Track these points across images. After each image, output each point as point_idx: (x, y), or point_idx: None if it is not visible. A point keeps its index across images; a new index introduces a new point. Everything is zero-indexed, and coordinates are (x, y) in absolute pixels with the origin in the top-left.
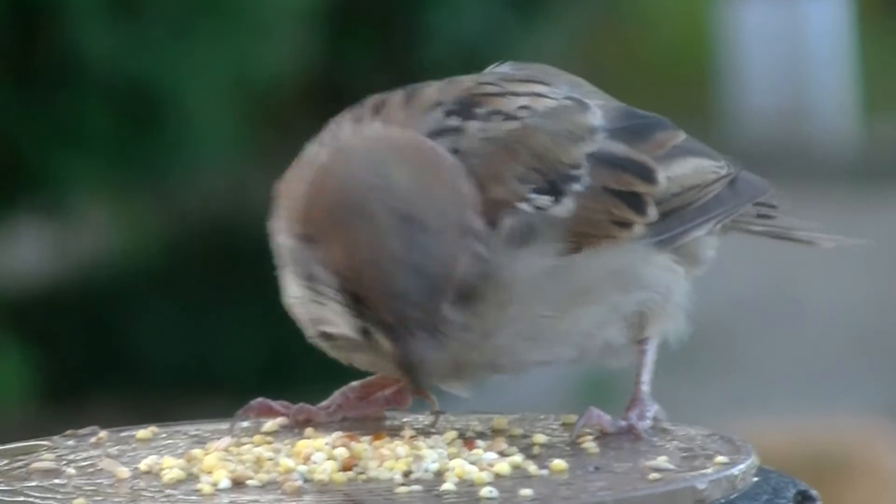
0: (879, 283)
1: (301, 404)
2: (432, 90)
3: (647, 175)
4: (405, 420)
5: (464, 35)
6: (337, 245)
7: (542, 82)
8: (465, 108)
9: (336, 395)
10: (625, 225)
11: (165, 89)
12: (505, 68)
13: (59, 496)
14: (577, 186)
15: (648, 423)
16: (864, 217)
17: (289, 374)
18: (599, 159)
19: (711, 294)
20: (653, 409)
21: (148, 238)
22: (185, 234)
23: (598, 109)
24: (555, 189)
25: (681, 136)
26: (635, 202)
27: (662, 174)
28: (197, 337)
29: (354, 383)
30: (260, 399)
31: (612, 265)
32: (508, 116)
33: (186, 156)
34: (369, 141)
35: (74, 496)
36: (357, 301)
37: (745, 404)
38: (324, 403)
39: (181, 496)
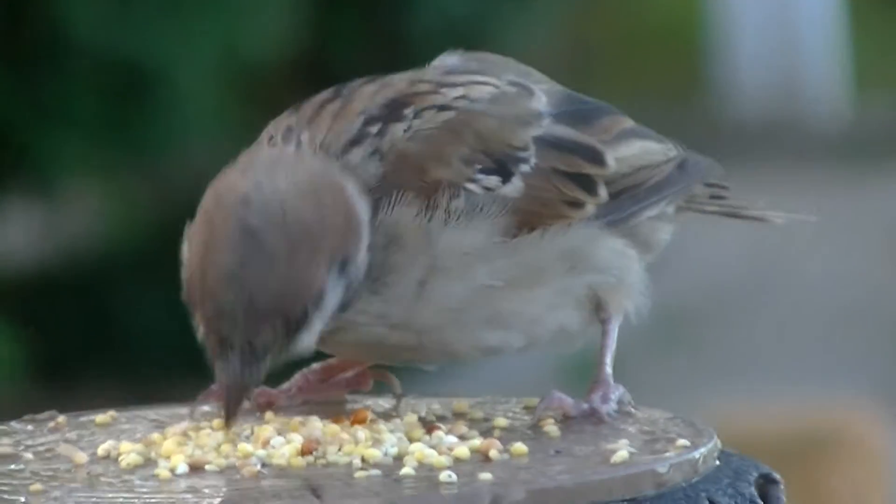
0: (866, 261)
1: (262, 388)
2: (363, 98)
3: (595, 157)
4: (366, 403)
5: (452, 10)
6: (189, 251)
7: (483, 73)
8: (391, 111)
9: (297, 378)
10: (576, 205)
11: (153, 68)
12: (453, 59)
13: (15, 481)
14: (525, 167)
15: (612, 405)
16: (853, 193)
17: None
18: (546, 142)
19: (690, 275)
20: (617, 392)
21: (137, 217)
22: (174, 213)
23: (543, 95)
24: (503, 170)
25: (627, 122)
26: (585, 182)
27: (611, 156)
28: (187, 316)
29: (315, 365)
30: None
31: (563, 246)
32: (444, 107)
33: (175, 134)
34: (279, 158)
35: (31, 481)
36: (193, 308)
37: (726, 386)
38: (284, 386)
39: (138, 481)
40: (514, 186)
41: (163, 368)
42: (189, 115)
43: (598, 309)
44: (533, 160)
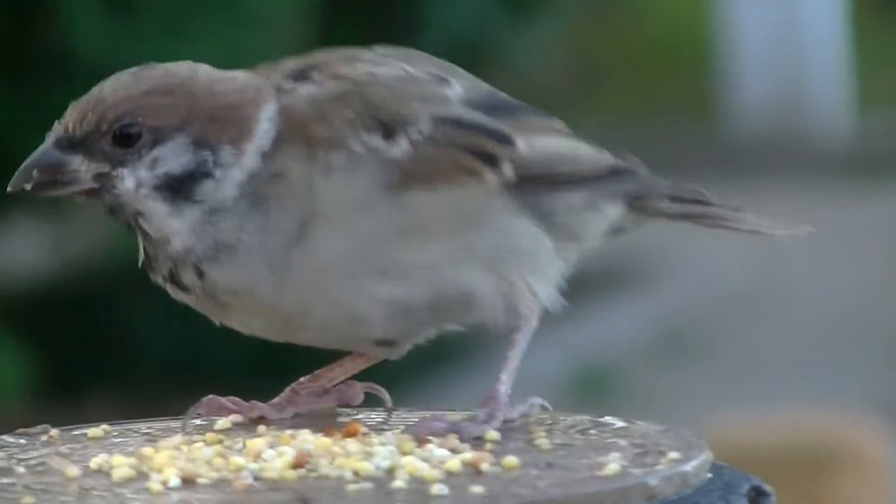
0: (869, 274)
1: (252, 402)
2: (293, 60)
3: (500, 138)
4: (358, 416)
5: (457, 27)
6: None
7: (401, 60)
8: (304, 72)
9: (286, 392)
10: (473, 173)
11: None
12: (380, 50)
13: (7, 495)
14: (415, 134)
15: (496, 423)
16: (856, 209)
17: (283, 368)
18: (446, 120)
19: (693, 288)
20: (517, 409)
21: None
22: None
23: (460, 87)
24: (389, 132)
25: (557, 124)
26: (485, 157)
27: (522, 141)
28: (192, 332)
29: (303, 379)
30: (211, 396)
31: (458, 203)
32: (342, 77)
33: None
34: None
35: (23, 495)
36: None
37: (727, 397)
38: (275, 400)
39: (130, 494)
40: (401, 149)
41: (169, 384)
42: None
43: (509, 310)
44: (427, 129)
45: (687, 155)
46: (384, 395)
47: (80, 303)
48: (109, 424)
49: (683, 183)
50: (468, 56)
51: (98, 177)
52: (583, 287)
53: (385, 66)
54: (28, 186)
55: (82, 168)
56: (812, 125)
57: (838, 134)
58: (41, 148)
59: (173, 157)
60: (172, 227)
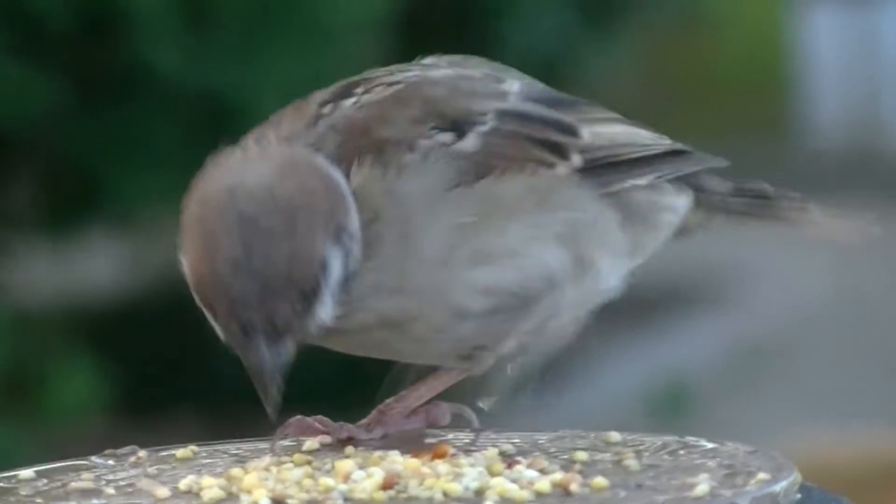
0: None
1: (340, 422)
2: (321, 91)
3: (565, 128)
4: (446, 437)
5: (536, 44)
6: (188, 252)
7: (452, 65)
8: (342, 92)
9: (374, 413)
10: (543, 163)
11: (236, 100)
12: (428, 60)
13: None
14: (483, 128)
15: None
16: None
17: (366, 382)
18: (510, 113)
19: (772, 306)
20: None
21: None
22: None
23: (517, 83)
24: (457, 127)
25: (613, 114)
26: (554, 147)
27: (585, 129)
28: None
29: (390, 399)
30: (298, 417)
31: (530, 184)
32: (393, 83)
33: None
34: (247, 154)
35: None
36: (209, 310)
37: (808, 415)
38: (363, 421)
39: None
40: (471, 142)
41: (248, 402)
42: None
43: (529, 304)
44: (492, 123)
45: (763, 173)
46: (471, 415)
47: (159, 319)
48: (197, 445)
49: (744, 179)
50: (545, 73)
51: (301, 336)
52: (661, 305)
53: (436, 69)
54: (280, 399)
55: (293, 343)
56: (888, 142)
57: None
58: (264, 356)
59: (335, 265)
60: (331, 318)
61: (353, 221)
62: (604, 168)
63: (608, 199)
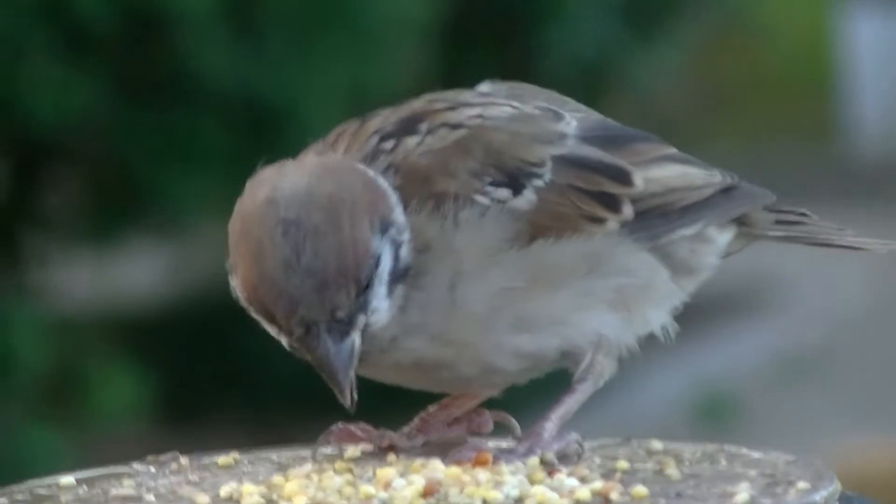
0: None
1: (382, 430)
2: (378, 118)
3: (620, 176)
4: (488, 445)
5: (581, 50)
6: (239, 268)
7: (509, 97)
8: (405, 127)
9: (416, 420)
10: (596, 220)
11: (282, 104)
12: (484, 87)
13: None
14: (538, 182)
15: (532, 458)
16: None
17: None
18: (567, 160)
19: (814, 311)
20: (553, 446)
21: None
22: None
23: (574, 120)
24: (514, 183)
25: (667, 149)
26: (607, 200)
27: (639, 176)
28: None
29: (431, 407)
30: (340, 424)
31: (581, 249)
32: (457, 125)
33: None
34: (283, 166)
35: None
36: (269, 318)
37: (850, 423)
38: (405, 429)
39: None
40: (526, 199)
41: (290, 409)
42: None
43: (573, 366)
44: (548, 176)
45: (809, 178)
46: (513, 423)
47: (199, 326)
48: (239, 452)
49: (791, 205)
50: (589, 79)
51: (364, 329)
52: (703, 314)
53: (494, 108)
54: (356, 391)
55: (358, 336)
56: None
57: None
58: (331, 349)
59: (385, 258)
60: (388, 315)
61: (399, 215)
62: (654, 218)
63: (656, 253)
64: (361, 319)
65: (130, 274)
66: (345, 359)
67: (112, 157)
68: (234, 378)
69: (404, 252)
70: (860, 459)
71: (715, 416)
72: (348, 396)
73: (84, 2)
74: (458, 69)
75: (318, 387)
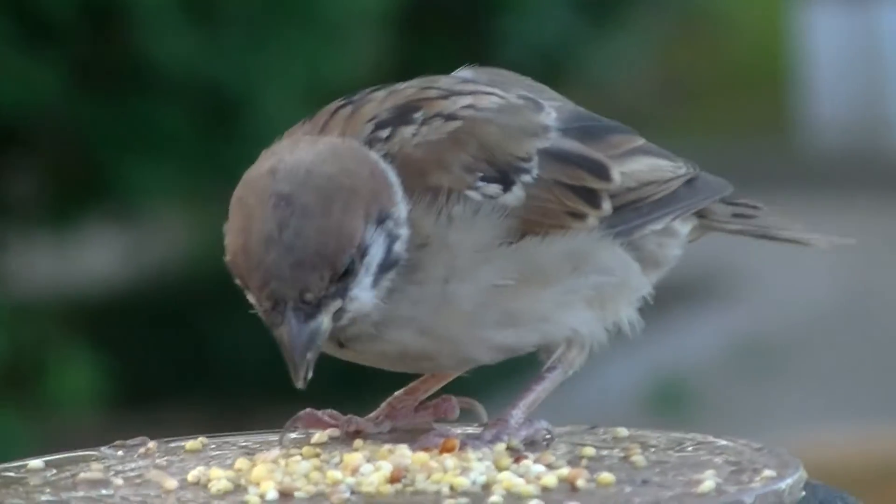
0: None
1: (349, 416)
2: (373, 104)
3: (599, 171)
4: (455, 431)
5: (540, 41)
6: (229, 232)
7: (493, 84)
8: (400, 115)
9: (383, 406)
10: (578, 216)
11: (240, 94)
12: (467, 72)
13: None
14: (527, 178)
15: (499, 445)
16: None
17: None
18: (551, 154)
19: (775, 304)
20: (521, 433)
21: (221, 241)
22: None
23: (553, 110)
24: (504, 178)
25: (638, 140)
26: (588, 195)
27: (616, 170)
28: (271, 342)
29: (398, 392)
30: (308, 410)
31: (566, 248)
32: (451, 116)
33: None
34: (298, 141)
35: None
36: (245, 286)
37: (806, 413)
38: (372, 415)
39: None
40: (515, 195)
41: (248, 394)
42: (272, 140)
43: (545, 355)
44: (536, 171)
45: (767, 171)
46: (479, 409)
47: (157, 311)
48: (207, 437)
49: (745, 197)
50: (548, 69)
51: (336, 314)
52: (660, 302)
53: (483, 97)
54: (311, 372)
55: (328, 319)
56: (889, 142)
57: None
58: (293, 328)
59: (376, 249)
60: (371, 306)
61: (400, 210)
62: (628, 213)
63: (629, 248)
64: (335, 305)
65: (89, 260)
66: (304, 340)
67: (71, 145)
68: (192, 364)
69: (399, 246)
70: (821, 448)
71: (672, 405)
72: (301, 377)
73: None
74: (416, 59)
75: (277, 372)
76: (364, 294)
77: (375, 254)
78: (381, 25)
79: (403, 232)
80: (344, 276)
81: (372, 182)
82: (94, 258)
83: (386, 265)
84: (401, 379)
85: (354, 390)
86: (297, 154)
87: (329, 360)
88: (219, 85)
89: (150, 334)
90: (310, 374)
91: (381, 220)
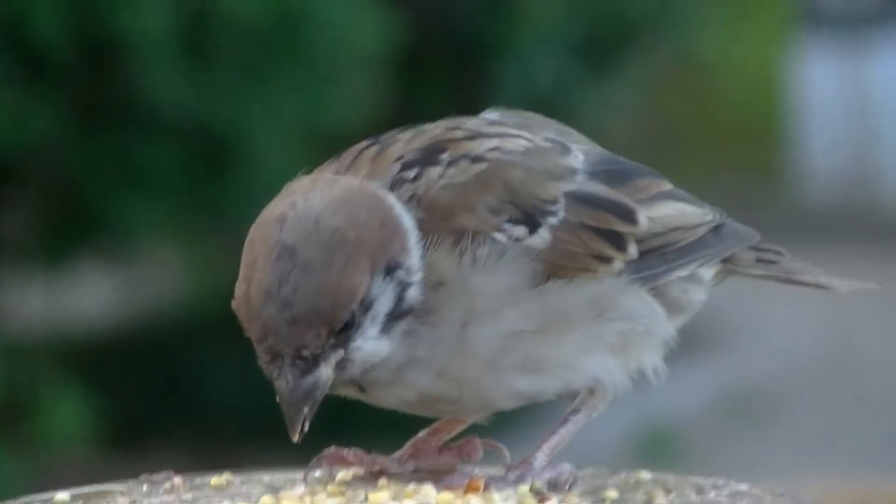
0: None
1: (374, 454)
2: (400, 144)
3: (626, 215)
4: (478, 472)
5: (534, 85)
6: (238, 280)
7: (520, 127)
8: (427, 156)
9: (407, 446)
10: (603, 259)
11: (235, 133)
12: (494, 114)
13: None
14: (553, 220)
15: (523, 486)
16: None
17: (355, 420)
18: (577, 197)
19: (763, 354)
20: (544, 475)
21: (215, 282)
22: None
23: (580, 153)
24: (530, 221)
25: (665, 185)
26: (614, 239)
27: (643, 214)
28: (262, 381)
29: (422, 433)
30: (333, 448)
31: (591, 293)
32: (477, 158)
33: (255, 200)
34: (316, 181)
35: None
36: (246, 333)
37: (793, 464)
38: (396, 454)
39: None
40: (541, 238)
41: (239, 432)
42: (270, 182)
43: (567, 400)
44: (562, 213)
45: (756, 219)
46: (503, 451)
47: (148, 351)
48: (232, 473)
49: (763, 243)
50: (543, 114)
51: (338, 364)
52: None
53: (510, 139)
54: (307, 425)
55: (328, 372)
56: (881, 194)
57: None
58: (289, 383)
59: (384, 300)
60: (385, 353)
61: (413, 257)
62: (654, 259)
63: (655, 294)
64: (336, 356)
65: (81, 298)
66: (300, 395)
67: (65, 182)
68: (182, 402)
69: (413, 292)
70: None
71: (659, 454)
72: (296, 430)
73: (40, 28)
74: (412, 101)
75: (267, 413)
76: (369, 343)
77: (383, 304)
78: (378, 68)
79: (417, 278)
80: (344, 330)
81: (381, 232)
82: (86, 296)
83: (398, 313)
84: (425, 418)
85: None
86: (310, 200)
87: (325, 400)
88: (213, 124)
89: (140, 372)
90: (306, 427)
91: (389, 270)
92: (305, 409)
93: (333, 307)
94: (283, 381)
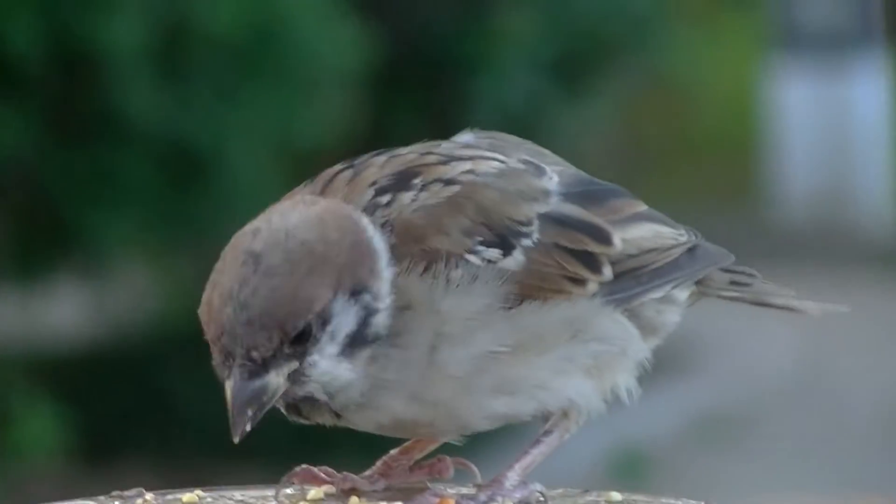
0: None
1: (345, 473)
2: (374, 169)
3: (600, 236)
4: (449, 491)
5: (508, 102)
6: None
7: (494, 149)
8: (400, 181)
9: (379, 464)
10: (578, 281)
11: (208, 148)
12: (468, 136)
13: None
14: (527, 241)
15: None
16: None
17: (324, 439)
18: (551, 219)
19: (735, 375)
20: (515, 495)
21: (187, 297)
22: None
23: (555, 175)
24: (504, 243)
25: (640, 206)
26: (588, 260)
27: (618, 236)
28: None
29: (393, 451)
30: (304, 466)
31: (565, 315)
32: (450, 181)
33: (228, 215)
34: (299, 202)
35: None
36: (206, 336)
37: (765, 485)
38: (367, 472)
39: None
40: (515, 260)
41: (210, 448)
42: (243, 197)
43: (541, 422)
44: (536, 235)
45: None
46: (474, 470)
47: (120, 366)
48: (203, 490)
49: (736, 265)
50: (517, 131)
51: (291, 375)
52: None
53: (483, 162)
54: (249, 427)
55: (278, 380)
56: (857, 216)
57: (883, 225)
58: (236, 383)
59: (346, 320)
60: (348, 377)
61: (382, 283)
62: (628, 280)
63: (629, 315)
64: (289, 366)
65: (54, 313)
66: (245, 396)
67: (38, 196)
68: (154, 418)
69: (379, 318)
70: None
71: (631, 475)
72: (237, 432)
73: (14, 40)
74: (386, 118)
75: None
76: (326, 362)
77: (343, 324)
78: (352, 84)
79: (385, 304)
80: (300, 340)
81: (351, 253)
82: (58, 310)
83: (360, 338)
84: (375, 437)
85: (316, 448)
86: (286, 217)
87: (281, 417)
88: (187, 139)
89: (112, 387)
90: (247, 429)
91: (355, 293)
92: (249, 412)
93: (288, 313)
94: (231, 381)
